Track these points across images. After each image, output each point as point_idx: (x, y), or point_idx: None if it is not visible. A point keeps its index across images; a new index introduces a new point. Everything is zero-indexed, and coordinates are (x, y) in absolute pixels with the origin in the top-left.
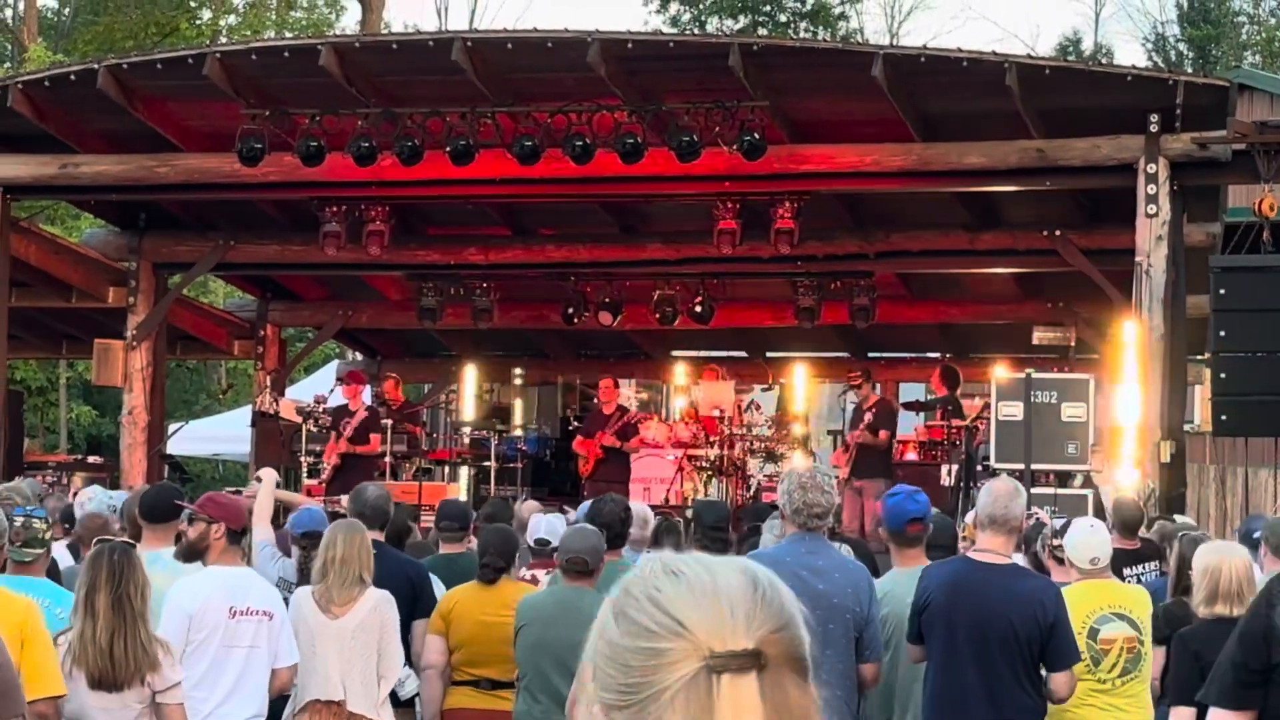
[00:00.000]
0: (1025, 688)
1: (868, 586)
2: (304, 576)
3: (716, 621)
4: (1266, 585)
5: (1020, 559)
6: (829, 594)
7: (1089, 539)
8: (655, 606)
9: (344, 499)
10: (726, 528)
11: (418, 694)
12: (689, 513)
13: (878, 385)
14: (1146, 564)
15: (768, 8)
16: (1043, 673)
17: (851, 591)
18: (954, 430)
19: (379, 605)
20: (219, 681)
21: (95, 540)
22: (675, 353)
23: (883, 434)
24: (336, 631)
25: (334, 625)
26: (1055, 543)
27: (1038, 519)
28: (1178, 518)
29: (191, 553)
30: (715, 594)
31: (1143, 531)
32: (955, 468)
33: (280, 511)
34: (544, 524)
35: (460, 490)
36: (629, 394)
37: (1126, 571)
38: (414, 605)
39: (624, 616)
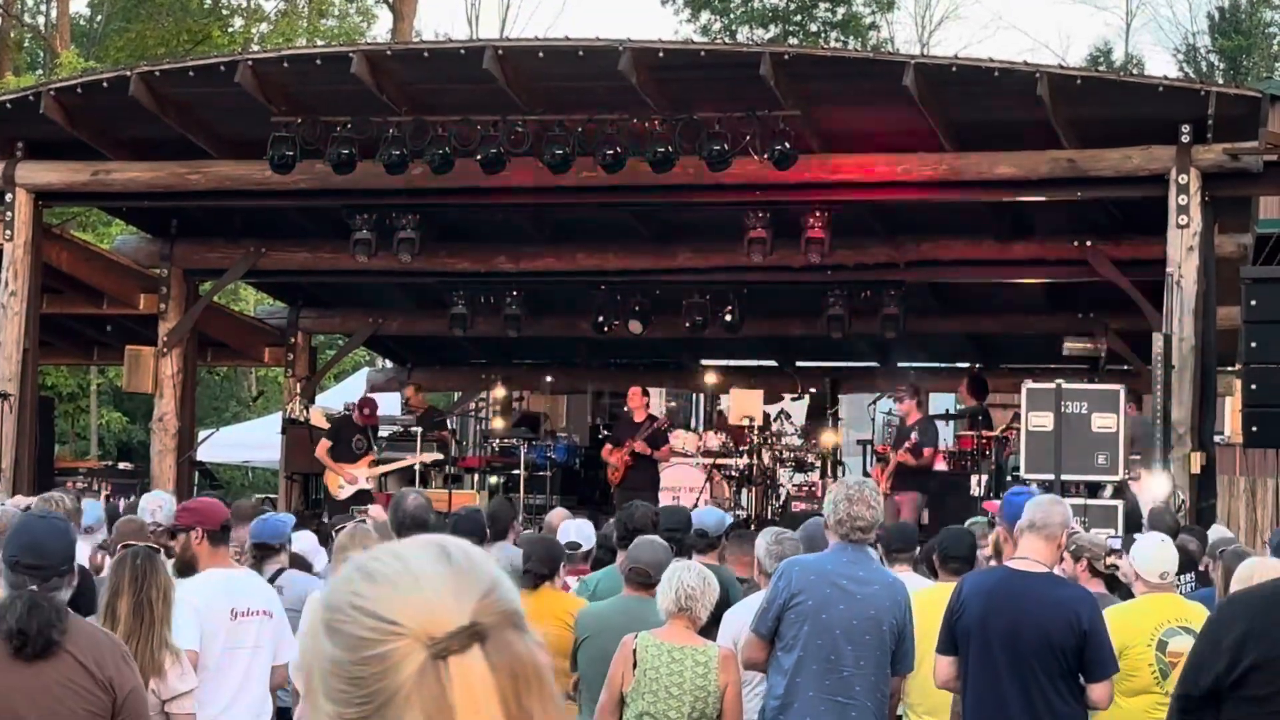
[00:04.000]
0: (1064, 696)
1: (905, 601)
2: None
3: (427, 608)
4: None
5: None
6: (867, 605)
7: (1160, 553)
8: (363, 614)
9: (371, 509)
10: (685, 529)
11: None
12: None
13: (921, 401)
14: (1183, 575)
15: (798, 17)
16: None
17: (889, 605)
18: (984, 441)
19: None
20: (223, 684)
21: (121, 545)
22: (705, 361)
23: (927, 452)
24: None
25: None
26: (1110, 561)
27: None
28: (1216, 528)
29: (185, 566)
30: (416, 582)
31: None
32: (985, 478)
33: None
34: (573, 528)
35: (479, 499)
36: (658, 403)
37: None
38: None
39: (336, 632)
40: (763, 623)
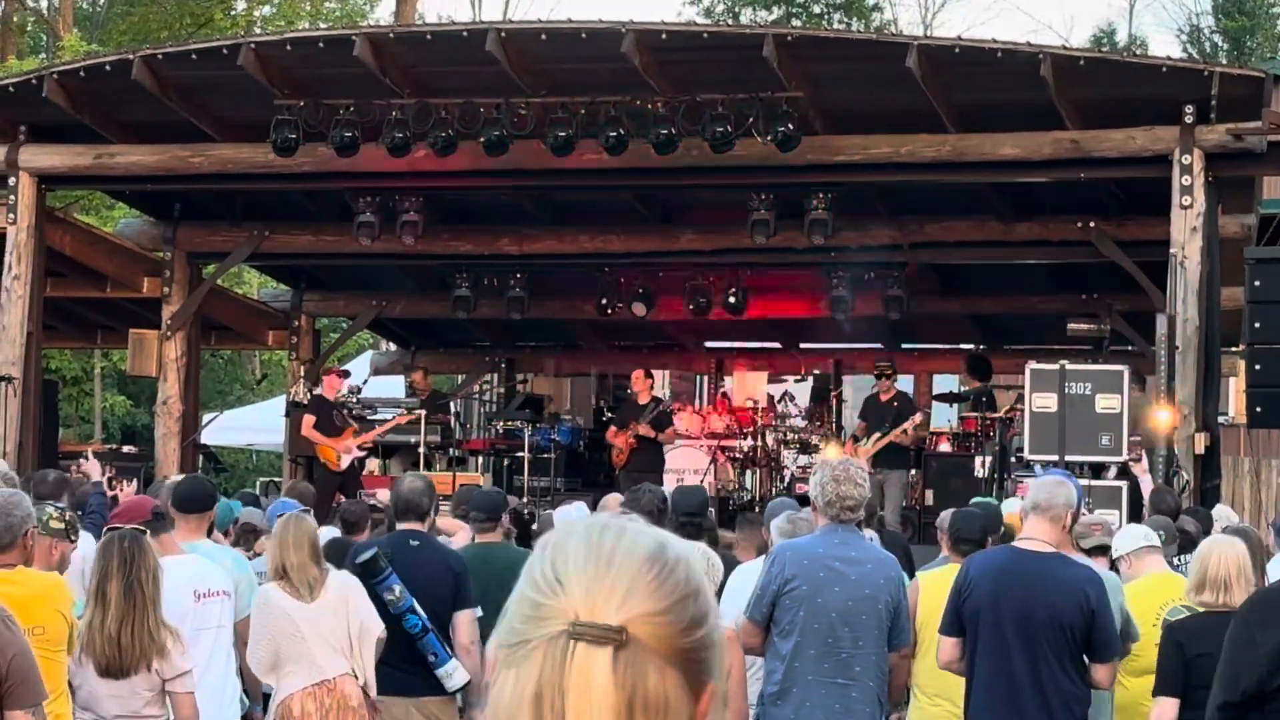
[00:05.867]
0: (1071, 675)
1: (898, 577)
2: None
3: (593, 590)
4: (1238, 611)
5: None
6: (861, 584)
7: (1133, 528)
8: (550, 564)
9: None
10: (703, 513)
11: (465, 685)
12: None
13: (898, 377)
14: (1184, 555)
15: None
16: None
17: (884, 582)
18: (988, 422)
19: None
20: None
21: (106, 529)
22: (709, 344)
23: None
24: (316, 613)
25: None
26: (1084, 545)
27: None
28: (1220, 508)
29: None
30: (608, 563)
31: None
32: (989, 459)
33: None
34: (573, 514)
35: (484, 482)
36: (662, 384)
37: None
38: (455, 596)
39: (529, 568)
40: (757, 609)
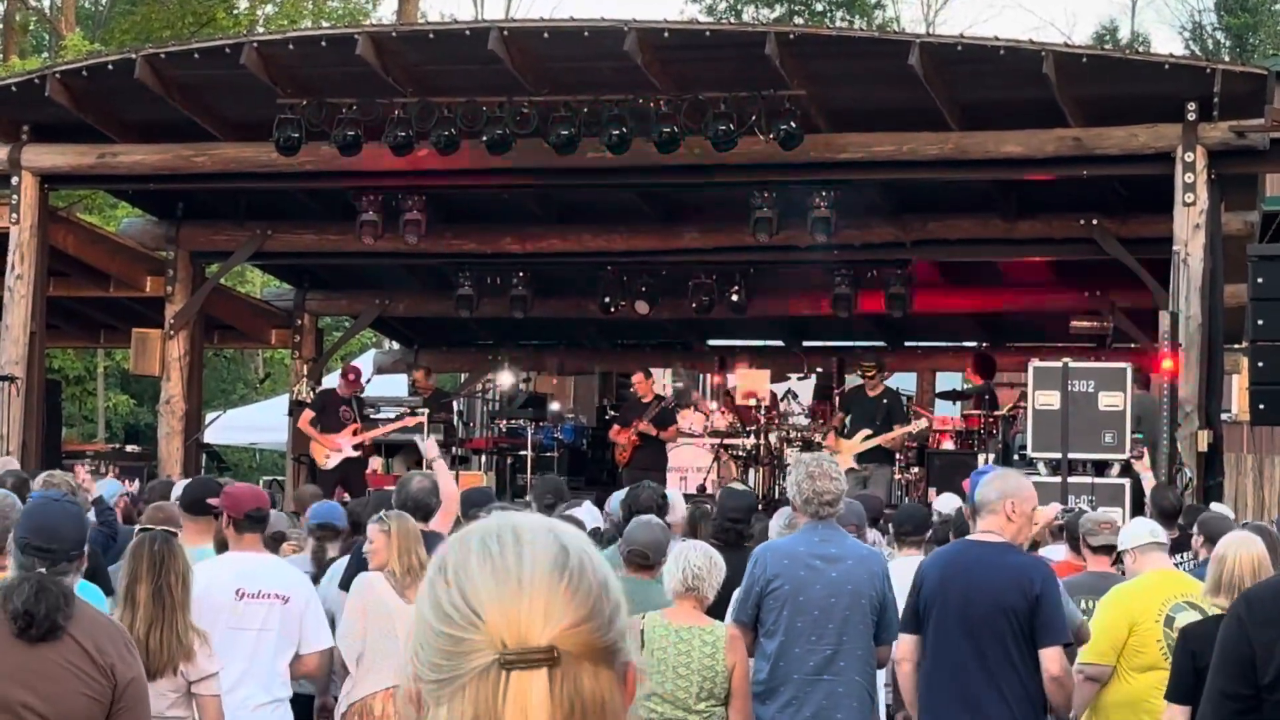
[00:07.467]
0: (1016, 664)
1: (882, 571)
2: (319, 568)
3: (513, 615)
4: (1233, 604)
5: (1063, 549)
6: (844, 581)
7: (1138, 523)
8: (459, 592)
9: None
10: (747, 519)
11: None
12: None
13: (887, 374)
14: (1184, 553)
15: None
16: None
17: (866, 577)
18: (991, 420)
19: None
20: (229, 665)
21: (138, 530)
22: (712, 342)
23: (897, 429)
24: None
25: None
26: (1093, 542)
27: (1078, 508)
28: (1214, 506)
29: (221, 546)
30: (518, 583)
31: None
32: (992, 457)
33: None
34: (578, 509)
35: (486, 480)
36: (664, 383)
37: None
38: None
39: (435, 599)
40: (743, 610)
